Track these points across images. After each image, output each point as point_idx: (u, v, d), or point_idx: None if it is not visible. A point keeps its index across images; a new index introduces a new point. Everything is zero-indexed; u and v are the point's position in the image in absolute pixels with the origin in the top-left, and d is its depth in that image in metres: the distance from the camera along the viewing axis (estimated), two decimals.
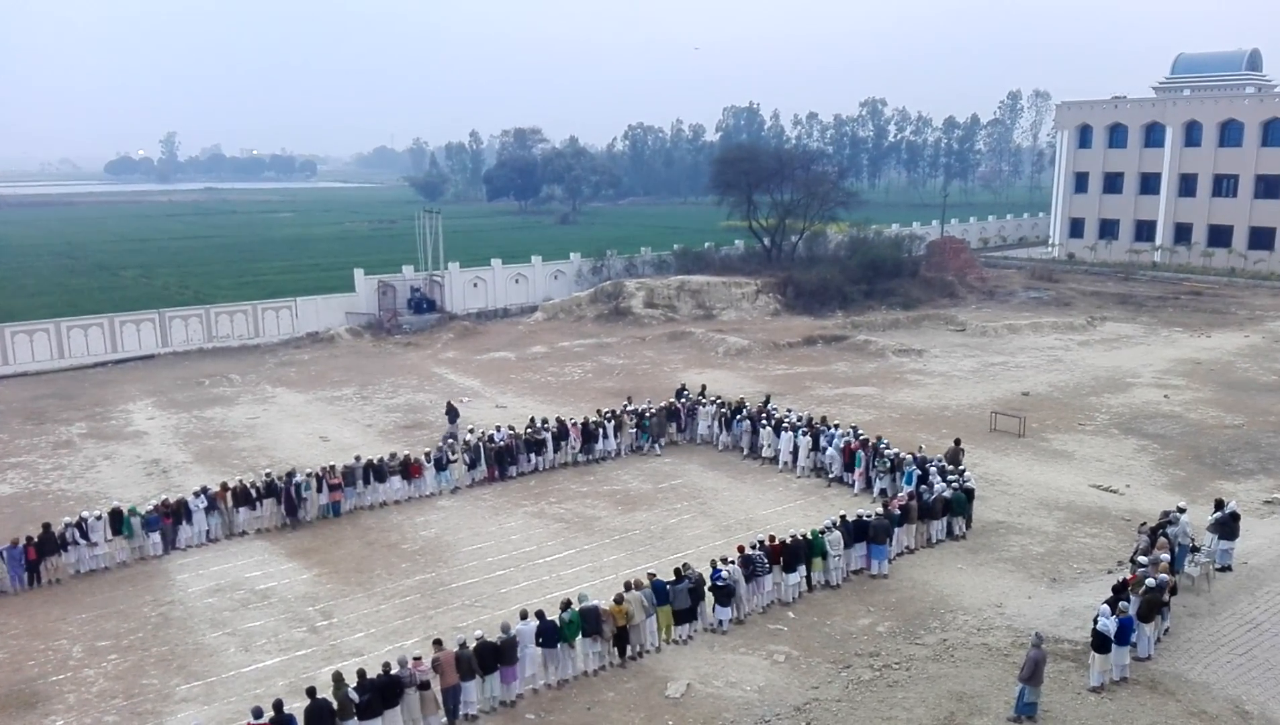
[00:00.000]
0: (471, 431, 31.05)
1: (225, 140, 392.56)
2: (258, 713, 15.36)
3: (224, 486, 25.89)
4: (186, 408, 38.69)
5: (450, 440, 30.63)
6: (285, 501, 26.09)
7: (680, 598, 19.46)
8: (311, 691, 15.88)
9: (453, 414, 33.70)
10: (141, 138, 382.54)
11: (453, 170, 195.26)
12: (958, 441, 28.92)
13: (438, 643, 17.47)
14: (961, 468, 26.48)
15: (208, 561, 24.23)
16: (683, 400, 34.02)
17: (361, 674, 16.44)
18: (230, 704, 17.54)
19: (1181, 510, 22.42)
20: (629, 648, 18.99)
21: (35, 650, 20.01)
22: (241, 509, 25.73)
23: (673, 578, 19.83)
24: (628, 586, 19.27)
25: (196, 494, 25.27)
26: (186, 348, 49.07)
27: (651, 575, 19.93)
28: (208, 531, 25.30)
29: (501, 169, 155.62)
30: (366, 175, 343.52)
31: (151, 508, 24.52)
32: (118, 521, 23.93)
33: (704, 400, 33.89)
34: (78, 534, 23.38)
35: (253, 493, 25.92)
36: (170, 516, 24.63)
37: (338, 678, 16.29)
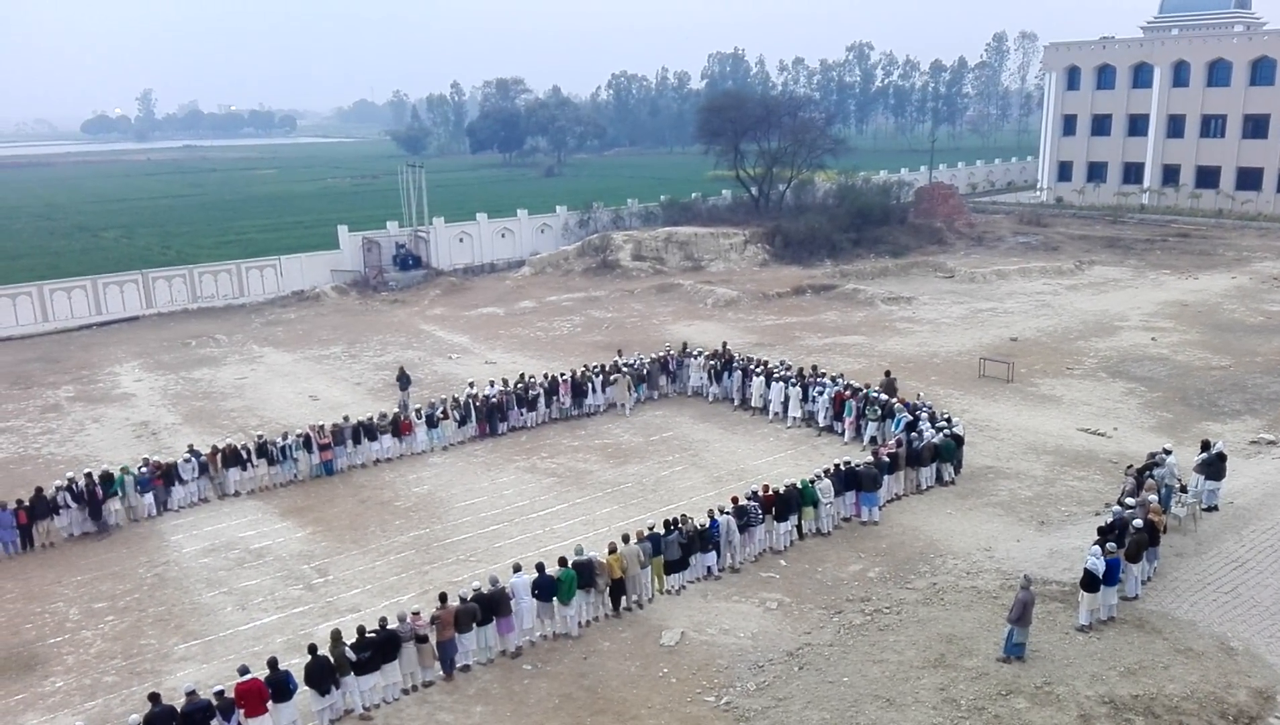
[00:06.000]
0: (473, 384, 31.02)
1: (202, 97, 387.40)
2: (244, 670, 15.54)
3: (214, 449, 25.86)
4: (173, 369, 38.51)
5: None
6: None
7: (671, 548, 19.61)
8: (313, 649, 15.98)
9: (404, 381, 32.59)
10: (118, 96, 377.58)
11: (435, 123, 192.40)
12: (888, 373, 29.27)
13: (443, 597, 17.53)
14: (948, 414, 26.64)
15: (201, 522, 24.28)
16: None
17: (361, 630, 16.56)
18: (229, 662, 17.65)
19: (1168, 452, 22.63)
20: (624, 599, 19.17)
21: (32, 613, 20.09)
22: (232, 470, 25.72)
23: (665, 529, 19.93)
24: (625, 539, 19.39)
25: (186, 460, 25.24)
26: (171, 308, 48.70)
27: (650, 527, 20.05)
28: (198, 492, 25.31)
29: (484, 121, 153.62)
30: (347, 130, 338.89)
31: (143, 468, 24.52)
32: (109, 484, 23.89)
33: (693, 352, 33.88)
34: (69, 497, 23.37)
35: (243, 453, 25.88)
36: (162, 478, 24.63)
37: (336, 635, 16.41)
